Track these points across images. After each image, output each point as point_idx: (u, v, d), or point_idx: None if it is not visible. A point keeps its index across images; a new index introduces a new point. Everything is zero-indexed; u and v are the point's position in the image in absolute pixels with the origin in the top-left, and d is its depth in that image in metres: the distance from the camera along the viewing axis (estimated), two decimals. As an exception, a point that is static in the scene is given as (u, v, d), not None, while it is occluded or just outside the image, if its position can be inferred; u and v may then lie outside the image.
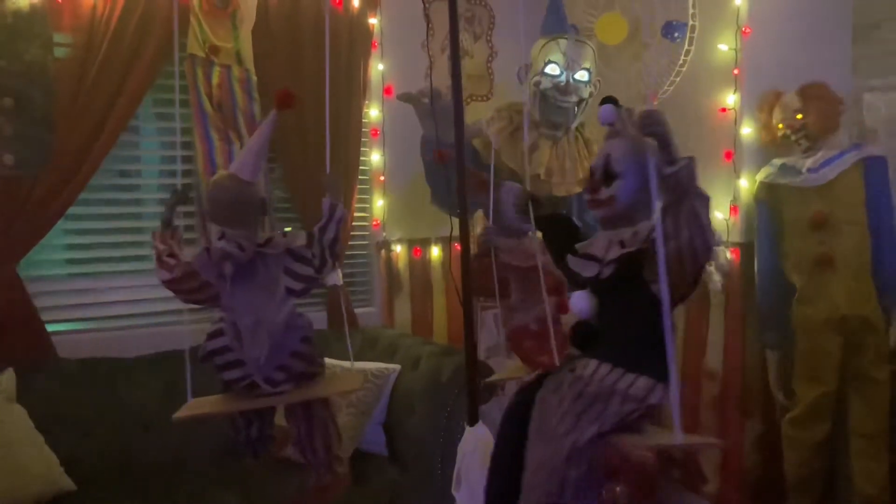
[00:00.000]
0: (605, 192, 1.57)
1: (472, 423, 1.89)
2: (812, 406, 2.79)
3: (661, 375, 1.41)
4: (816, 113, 2.78)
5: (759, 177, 2.96)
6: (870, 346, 2.73)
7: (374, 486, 2.57)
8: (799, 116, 2.81)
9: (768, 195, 2.93)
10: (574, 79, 2.80)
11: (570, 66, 2.79)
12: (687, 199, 1.36)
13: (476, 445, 1.85)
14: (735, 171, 3.04)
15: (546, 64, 2.80)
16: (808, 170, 2.79)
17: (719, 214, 3.06)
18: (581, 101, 2.84)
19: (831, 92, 2.82)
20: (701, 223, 1.36)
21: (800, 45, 3.01)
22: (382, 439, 2.81)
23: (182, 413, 1.67)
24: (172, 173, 3.09)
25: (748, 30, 3.01)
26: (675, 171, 1.34)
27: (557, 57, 2.80)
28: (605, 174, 1.57)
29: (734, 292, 3.01)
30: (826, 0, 3.12)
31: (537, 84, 2.82)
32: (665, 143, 1.36)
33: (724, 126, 3.07)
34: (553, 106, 2.84)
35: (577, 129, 2.96)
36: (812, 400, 2.79)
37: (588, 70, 2.83)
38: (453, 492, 1.93)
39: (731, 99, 3.04)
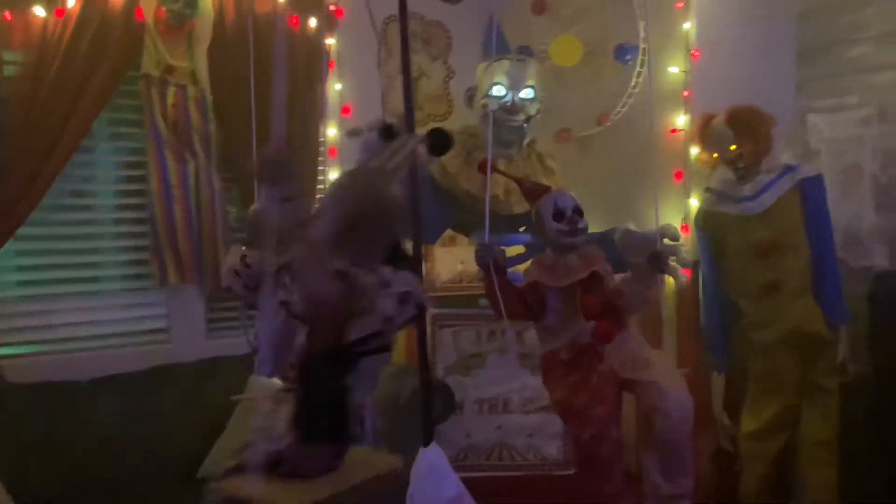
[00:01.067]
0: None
1: (427, 443, 1.89)
2: (773, 420, 2.83)
3: None
4: (750, 142, 2.75)
5: (699, 204, 2.99)
6: (821, 359, 2.77)
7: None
8: (733, 148, 2.77)
9: (708, 222, 2.94)
10: (519, 98, 2.82)
11: (515, 85, 2.81)
12: (296, 245, 1.30)
13: (428, 467, 1.85)
14: (685, 190, 3.10)
15: (491, 86, 2.83)
16: (746, 198, 2.78)
17: (671, 233, 3.11)
18: (529, 118, 2.88)
19: (760, 114, 2.77)
20: (304, 272, 1.28)
21: (747, 67, 3.10)
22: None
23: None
24: (127, 193, 3.05)
25: (697, 53, 3.08)
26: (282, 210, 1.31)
27: (501, 78, 2.83)
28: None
29: (686, 310, 3.05)
30: (771, 24, 3.23)
31: (485, 106, 2.85)
32: (273, 182, 1.34)
33: (675, 146, 3.13)
34: (503, 126, 2.87)
35: (529, 145, 2.99)
36: (773, 415, 2.83)
37: (532, 87, 2.86)
38: (407, 513, 1.92)
39: (681, 120, 3.11)
